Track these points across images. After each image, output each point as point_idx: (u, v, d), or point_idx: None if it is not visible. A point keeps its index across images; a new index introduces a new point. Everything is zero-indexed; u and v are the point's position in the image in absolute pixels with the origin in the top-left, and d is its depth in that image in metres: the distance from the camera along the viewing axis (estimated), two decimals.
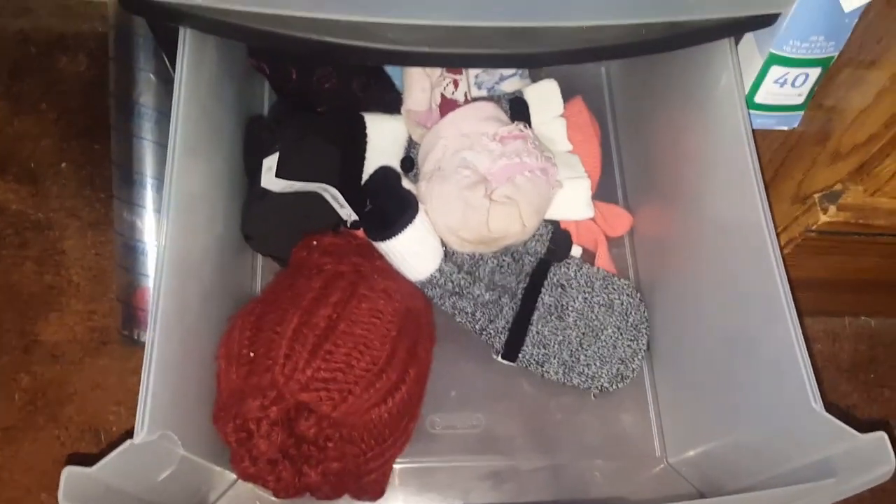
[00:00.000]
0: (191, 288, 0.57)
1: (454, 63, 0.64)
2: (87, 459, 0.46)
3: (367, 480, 0.63)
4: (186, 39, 0.57)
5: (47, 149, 0.89)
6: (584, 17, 0.55)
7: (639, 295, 0.77)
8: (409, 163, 0.76)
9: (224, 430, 0.60)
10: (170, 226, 0.53)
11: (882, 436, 0.44)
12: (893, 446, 0.45)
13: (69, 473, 0.44)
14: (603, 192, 0.83)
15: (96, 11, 0.94)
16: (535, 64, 0.68)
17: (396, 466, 0.69)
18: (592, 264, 0.78)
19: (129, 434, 0.48)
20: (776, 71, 0.62)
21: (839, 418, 0.47)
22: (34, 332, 0.80)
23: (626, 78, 0.88)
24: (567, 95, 0.81)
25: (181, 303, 0.54)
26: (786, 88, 0.63)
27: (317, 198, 0.72)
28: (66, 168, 0.88)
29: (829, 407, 0.47)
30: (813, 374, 0.48)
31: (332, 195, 0.71)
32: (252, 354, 0.60)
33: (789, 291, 0.50)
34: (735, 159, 0.57)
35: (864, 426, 0.46)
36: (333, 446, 0.60)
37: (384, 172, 0.73)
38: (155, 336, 0.50)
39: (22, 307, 0.82)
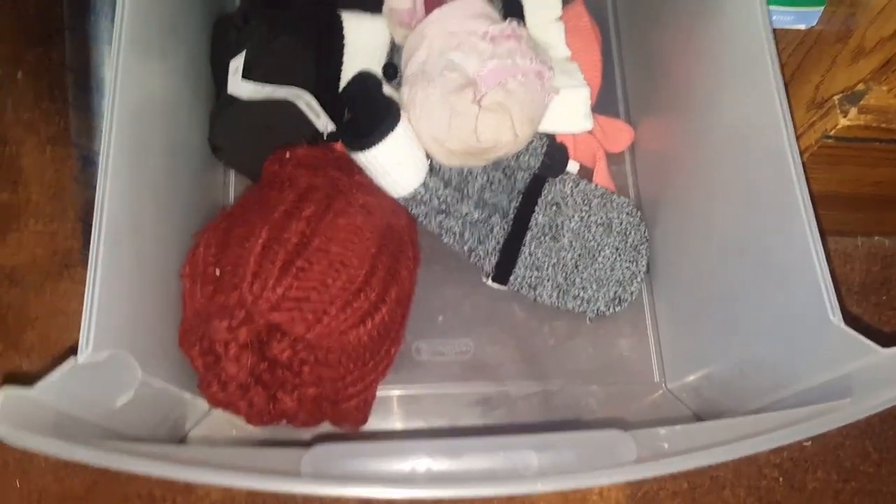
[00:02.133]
0: (145, 200, 0.52)
1: None
2: (30, 380, 0.42)
3: (346, 406, 0.59)
4: None
5: (2, 58, 0.82)
6: None
7: (639, 213, 0.72)
8: (391, 69, 0.70)
9: (190, 353, 0.56)
10: (115, 130, 0.47)
11: None
12: None
13: (6, 395, 0.39)
14: (603, 105, 0.77)
15: None
16: None
17: (380, 393, 0.65)
18: (590, 181, 0.73)
19: None
20: None
21: (859, 331, 0.42)
22: None
23: None
24: None
25: (132, 215, 0.49)
26: None
27: (290, 106, 0.66)
28: (22, 79, 0.81)
29: (848, 320, 0.43)
30: (832, 284, 0.43)
31: (307, 102, 0.65)
32: (218, 272, 0.55)
33: (808, 195, 0.45)
34: (752, 55, 0.51)
35: (884, 341, 0.42)
36: (309, 370, 0.56)
37: (363, 77, 0.67)
38: (99, 247, 0.45)
39: None
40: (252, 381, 0.56)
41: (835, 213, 0.73)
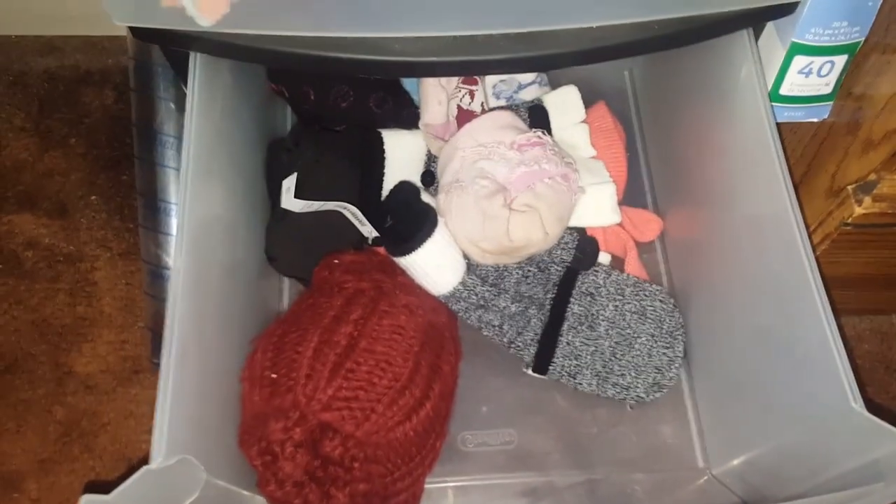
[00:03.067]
0: (209, 311, 0.57)
1: (462, 71, 0.63)
2: (107, 487, 0.46)
3: (396, 502, 0.62)
4: (196, 63, 0.58)
5: (76, 182, 0.91)
6: (593, 17, 0.54)
7: (672, 300, 0.74)
8: (429, 177, 0.75)
9: (249, 453, 0.59)
10: (184, 249, 0.52)
11: None
12: None
13: (87, 502, 0.43)
14: (631, 197, 0.81)
15: (120, 46, 0.97)
16: (545, 66, 0.67)
17: (428, 486, 0.67)
18: (622, 271, 0.76)
19: None
20: (800, 61, 0.59)
21: (883, 418, 0.44)
22: (68, 364, 0.82)
23: (649, 80, 0.86)
24: (590, 101, 0.80)
25: (198, 326, 0.54)
26: (811, 78, 0.61)
27: (338, 216, 0.72)
28: (96, 200, 0.90)
29: (876, 408, 0.44)
30: (851, 372, 0.45)
31: (353, 213, 0.71)
32: (274, 376, 0.59)
33: (822, 285, 0.48)
34: (760, 153, 0.55)
35: None
36: (359, 467, 0.58)
37: (403, 188, 0.72)
38: (171, 359, 0.49)
39: (55, 339, 0.83)
40: (307, 479, 0.59)
41: (867, 293, 0.75)
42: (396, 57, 0.53)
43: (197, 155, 0.55)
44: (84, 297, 0.85)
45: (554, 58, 0.55)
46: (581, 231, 0.75)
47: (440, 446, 0.65)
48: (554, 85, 0.80)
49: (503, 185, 0.67)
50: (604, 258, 0.76)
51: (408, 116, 0.77)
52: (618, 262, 0.78)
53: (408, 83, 0.79)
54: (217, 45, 0.55)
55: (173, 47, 0.58)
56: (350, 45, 0.53)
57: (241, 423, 0.62)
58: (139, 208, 0.78)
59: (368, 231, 0.71)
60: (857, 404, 0.44)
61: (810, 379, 0.48)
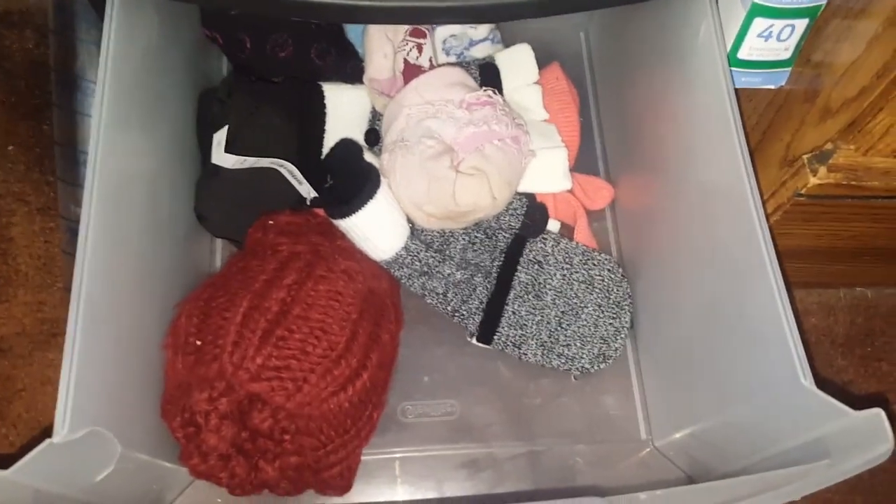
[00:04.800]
0: (125, 271, 0.53)
1: (407, 18, 0.59)
2: (12, 460, 0.42)
3: (329, 474, 0.59)
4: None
5: None
6: None
7: (621, 270, 0.72)
8: (373, 135, 0.71)
9: (171, 424, 0.56)
10: (94, 203, 0.48)
11: (878, 413, 0.40)
12: (892, 423, 0.41)
13: None
14: (583, 164, 0.78)
15: None
16: (495, 17, 0.63)
17: (366, 458, 0.65)
18: (571, 239, 0.74)
19: None
20: (760, 23, 0.57)
21: (833, 395, 0.42)
22: None
23: (605, 42, 0.83)
24: (544, 62, 0.77)
25: (111, 287, 0.49)
26: (771, 42, 0.59)
27: (274, 175, 0.67)
28: (13, 151, 0.83)
29: (822, 383, 0.43)
30: (802, 348, 0.43)
31: (290, 171, 0.67)
32: (199, 342, 0.55)
33: (775, 258, 0.46)
34: (716, 118, 0.53)
35: (860, 403, 0.42)
36: (290, 439, 0.55)
37: (344, 145, 0.68)
38: (77, 323, 0.45)
39: None
40: (233, 452, 0.55)
41: (816, 266, 0.74)
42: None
43: (112, 101, 0.50)
44: None
45: (506, 7, 0.51)
46: (530, 197, 0.72)
47: (377, 417, 0.62)
48: (507, 44, 0.77)
49: (450, 145, 0.64)
50: (553, 225, 0.74)
51: (352, 70, 0.73)
52: (567, 230, 0.75)
53: (352, 34, 0.74)
54: None
55: None
56: None
57: (163, 392, 0.58)
58: (57, 160, 0.72)
59: (306, 191, 0.67)
60: (808, 381, 0.43)
61: (760, 354, 0.47)
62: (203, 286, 0.61)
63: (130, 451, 0.52)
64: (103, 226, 0.49)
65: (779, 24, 0.57)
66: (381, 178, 0.64)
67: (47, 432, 0.43)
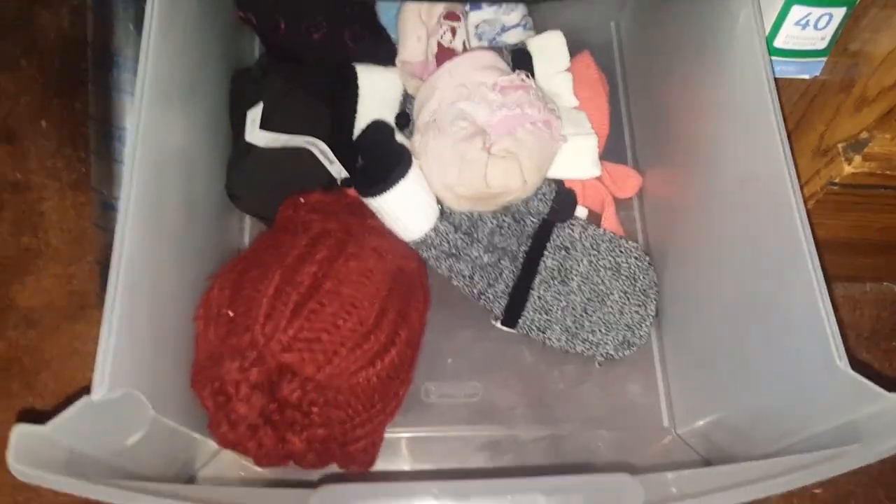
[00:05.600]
0: (162, 243, 0.53)
1: None
2: (44, 418, 0.42)
3: (354, 448, 0.60)
4: None
5: (27, 106, 0.85)
6: None
7: (647, 258, 0.72)
8: (404, 118, 0.72)
9: (202, 393, 0.57)
10: (135, 177, 0.48)
11: None
12: None
13: (20, 433, 0.40)
14: (611, 152, 0.79)
15: None
16: None
17: (388, 436, 0.65)
18: (599, 226, 0.74)
19: None
20: (798, 11, 0.57)
21: (867, 377, 0.42)
22: (9, 297, 0.77)
23: (636, 31, 0.83)
24: (575, 50, 0.77)
25: (149, 257, 0.50)
26: (808, 31, 0.59)
27: (305, 154, 0.68)
28: (47, 127, 0.84)
29: (856, 365, 0.43)
30: (837, 329, 0.43)
31: (322, 151, 0.67)
32: (231, 314, 0.56)
33: (812, 242, 0.46)
34: (755, 106, 0.53)
35: (893, 387, 0.42)
36: (318, 411, 0.56)
37: (376, 126, 0.69)
38: (117, 289, 0.46)
39: None
40: (262, 422, 0.56)
41: (843, 258, 0.74)
42: None
43: (154, 78, 0.51)
44: (30, 229, 0.80)
45: None
46: (559, 183, 0.73)
47: (404, 394, 0.63)
48: (539, 31, 0.77)
49: (482, 127, 0.64)
50: (581, 212, 0.74)
51: (385, 53, 0.73)
52: (594, 217, 0.76)
53: (385, 18, 0.75)
54: None
55: None
56: None
57: (194, 362, 0.59)
58: (91, 135, 0.73)
59: (338, 170, 0.67)
60: (843, 363, 0.43)
61: (796, 338, 0.47)
62: (235, 260, 0.61)
63: (162, 417, 0.52)
64: (143, 198, 0.49)
65: (816, 12, 0.57)
66: (413, 159, 0.64)
67: (74, 399, 0.44)
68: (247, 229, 0.75)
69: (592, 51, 0.80)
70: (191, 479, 0.64)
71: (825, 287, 0.44)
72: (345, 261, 0.58)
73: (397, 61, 0.72)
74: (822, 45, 0.60)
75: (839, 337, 0.43)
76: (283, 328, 0.54)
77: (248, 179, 0.68)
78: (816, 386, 0.45)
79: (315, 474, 0.63)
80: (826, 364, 0.43)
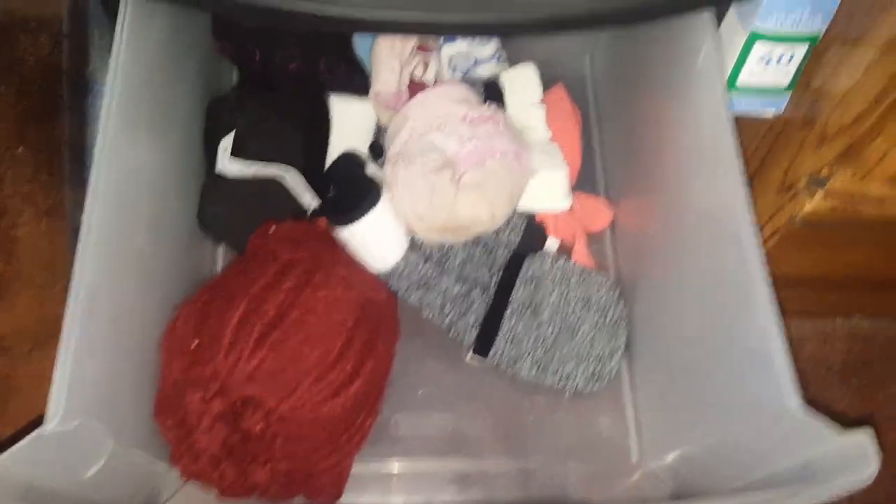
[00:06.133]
0: (126, 270, 0.53)
1: (405, 30, 0.60)
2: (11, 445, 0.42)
3: (320, 481, 0.59)
4: (128, 4, 0.54)
5: (4, 132, 0.85)
6: None
7: (618, 291, 0.73)
8: (377, 148, 0.72)
9: (164, 423, 0.56)
10: (98, 201, 0.49)
11: (864, 436, 0.40)
12: (886, 452, 0.41)
13: None
14: (584, 185, 0.79)
15: None
16: (498, 32, 0.64)
17: (356, 468, 0.64)
18: (570, 258, 0.74)
19: None
20: (760, 48, 0.58)
21: (823, 417, 0.42)
22: None
23: (610, 66, 0.85)
24: (550, 83, 0.78)
25: (111, 284, 0.50)
26: (771, 67, 0.60)
27: (277, 184, 0.68)
28: (23, 152, 0.84)
29: (812, 406, 0.43)
30: (792, 371, 0.43)
31: (293, 180, 0.67)
32: (195, 344, 0.56)
33: (768, 280, 0.46)
34: (715, 144, 0.53)
35: (849, 426, 0.42)
36: (282, 443, 0.56)
37: (348, 157, 0.69)
38: (76, 315, 0.46)
39: None
40: (225, 454, 0.56)
41: (813, 294, 0.74)
42: (341, 9, 0.49)
43: (120, 104, 0.51)
44: (3, 254, 0.80)
45: (508, 26, 0.52)
46: (530, 215, 0.73)
47: (370, 426, 0.62)
48: (514, 63, 0.78)
49: (452, 159, 0.65)
50: (552, 244, 0.74)
51: (359, 84, 0.74)
52: (566, 250, 0.76)
53: (361, 49, 0.75)
54: None
55: None
56: None
57: (158, 392, 0.58)
58: (67, 162, 0.73)
59: (309, 200, 0.68)
60: (796, 403, 0.43)
61: (752, 376, 0.47)
62: (202, 289, 0.61)
63: (123, 448, 0.52)
64: (105, 224, 0.49)
65: (778, 49, 0.58)
66: (383, 190, 0.64)
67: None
68: (220, 257, 0.75)
69: (567, 84, 0.81)
70: None
71: (780, 326, 0.45)
72: (312, 291, 0.58)
73: (371, 92, 0.72)
74: (785, 81, 0.61)
75: (794, 376, 0.43)
76: (247, 358, 0.54)
77: (220, 208, 0.68)
78: (771, 425, 0.45)
79: None
80: (779, 404, 0.43)
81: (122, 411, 0.53)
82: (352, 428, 0.59)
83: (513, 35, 0.54)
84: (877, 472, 0.40)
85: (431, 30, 0.58)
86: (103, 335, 0.49)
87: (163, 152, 0.62)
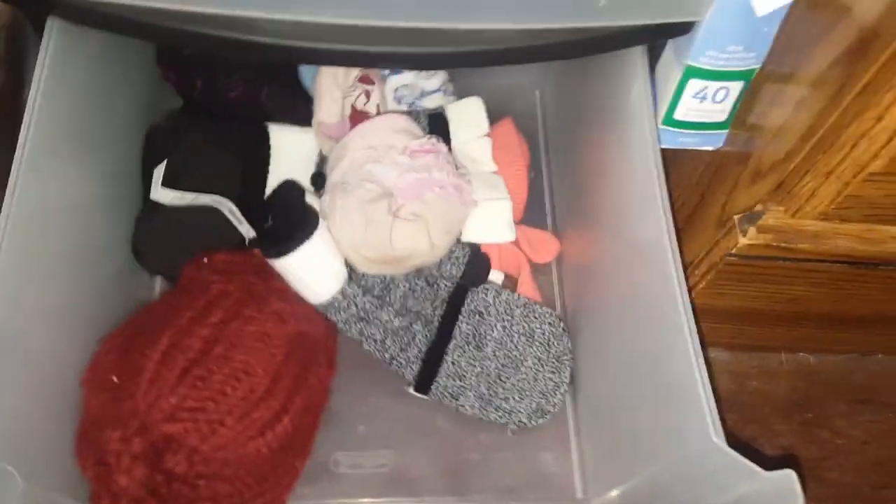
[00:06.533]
0: (42, 302, 0.51)
1: (345, 61, 0.59)
2: None
3: None
4: (53, 29, 0.53)
5: None
6: (486, 19, 0.51)
7: (562, 324, 0.72)
8: (319, 179, 0.71)
9: (83, 463, 0.54)
10: (7, 232, 0.47)
11: (788, 474, 0.39)
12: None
13: None
14: (532, 218, 0.79)
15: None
16: (430, 65, 0.65)
17: None
18: (514, 290, 0.73)
19: None
20: (694, 84, 0.58)
21: (746, 455, 0.42)
22: None
23: (558, 100, 0.85)
24: (499, 117, 0.78)
25: (23, 318, 0.48)
26: (706, 104, 0.60)
27: (215, 213, 0.67)
28: None
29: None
30: (714, 404, 0.43)
31: (230, 210, 0.66)
32: (116, 379, 0.54)
33: (691, 314, 0.46)
34: (643, 177, 0.53)
35: (775, 465, 0.41)
36: (205, 484, 0.54)
37: (286, 187, 0.68)
38: None
39: None
40: (146, 495, 0.53)
41: (756, 329, 0.74)
42: (271, 39, 0.49)
43: (39, 128, 0.50)
44: None
45: (441, 58, 0.52)
46: (474, 247, 0.72)
47: (301, 466, 0.61)
48: (461, 97, 0.78)
49: (390, 190, 0.64)
50: (496, 276, 0.73)
51: (303, 113, 0.73)
52: (511, 282, 0.75)
53: (306, 78, 0.75)
54: (75, 11, 0.50)
55: (28, 9, 0.53)
56: (221, 22, 0.49)
57: (78, 429, 0.56)
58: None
59: (246, 230, 0.66)
60: (718, 438, 0.42)
61: (676, 411, 0.47)
62: (128, 321, 0.59)
63: (36, 488, 0.49)
64: (17, 253, 0.48)
65: (713, 85, 0.58)
66: (321, 220, 0.63)
67: None
68: (157, 287, 0.73)
69: (517, 118, 0.81)
70: None
71: (702, 359, 0.44)
72: (240, 324, 0.57)
73: (314, 121, 0.72)
74: (721, 117, 0.61)
75: (716, 411, 0.43)
76: (167, 395, 0.52)
77: (153, 237, 0.67)
78: (698, 460, 0.45)
79: None
80: (703, 439, 0.43)
81: (36, 451, 0.51)
82: (280, 469, 0.58)
83: (448, 67, 0.54)
84: None
85: (363, 61, 0.58)
86: (15, 372, 0.47)
87: (90, 179, 0.60)
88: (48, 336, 0.53)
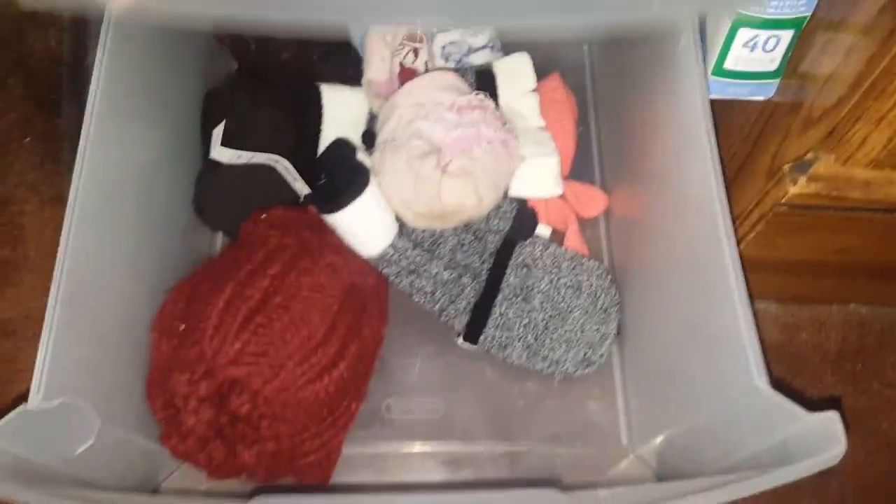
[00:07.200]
0: (113, 255, 0.55)
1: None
2: None
3: (306, 462, 0.60)
4: None
5: (11, 123, 0.87)
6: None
7: (610, 277, 0.73)
8: (369, 137, 0.73)
9: (154, 405, 0.58)
10: (81, 189, 0.50)
11: (831, 416, 0.40)
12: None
13: None
14: (579, 172, 0.79)
15: None
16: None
17: (348, 450, 0.66)
18: (562, 244, 0.74)
19: None
20: (744, 33, 0.58)
21: (793, 399, 0.43)
22: None
23: (606, 54, 0.84)
24: (547, 72, 0.78)
25: (96, 268, 0.52)
26: (757, 53, 0.59)
27: (271, 172, 0.69)
28: (30, 143, 0.87)
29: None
30: (758, 348, 0.44)
31: (285, 168, 0.68)
32: (183, 327, 0.57)
33: (738, 264, 0.46)
34: (692, 130, 0.53)
35: (820, 408, 0.42)
36: (267, 425, 0.57)
37: (338, 144, 0.70)
38: (58, 295, 0.47)
39: None
40: (212, 435, 0.57)
41: (806, 280, 0.74)
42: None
43: (106, 90, 0.53)
44: (10, 242, 0.82)
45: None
46: (521, 202, 0.73)
47: (356, 409, 0.63)
48: (508, 52, 0.78)
49: (438, 146, 0.65)
50: (543, 230, 0.74)
51: (353, 73, 0.75)
52: (559, 236, 0.76)
53: (355, 39, 0.76)
54: None
55: None
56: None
57: (148, 373, 0.60)
58: (68, 152, 0.75)
59: (301, 187, 0.69)
60: (762, 382, 0.43)
61: (720, 357, 0.47)
62: (192, 274, 0.63)
63: (113, 427, 0.53)
64: (90, 209, 0.51)
65: (763, 34, 0.58)
66: (371, 177, 0.65)
67: None
68: (219, 242, 0.77)
69: (565, 72, 0.81)
70: (155, 490, 0.65)
71: (748, 305, 0.45)
72: (297, 276, 0.59)
73: (363, 80, 0.73)
74: (772, 66, 0.61)
75: (759, 356, 0.43)
76: (231, 341, 0.55)
77: (213, 195, 0.69)
78: (741, 406, 0.46)
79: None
80: (747, 384, 0.44)
81: (111, 392, 0.55)
82: (337, 411, 0.60)
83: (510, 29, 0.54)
84: (844, 451, 0.40)
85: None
86: (87, 317, 0.51)
87: (154, 139, 0.63)
88: (121, 287, 0.56)
